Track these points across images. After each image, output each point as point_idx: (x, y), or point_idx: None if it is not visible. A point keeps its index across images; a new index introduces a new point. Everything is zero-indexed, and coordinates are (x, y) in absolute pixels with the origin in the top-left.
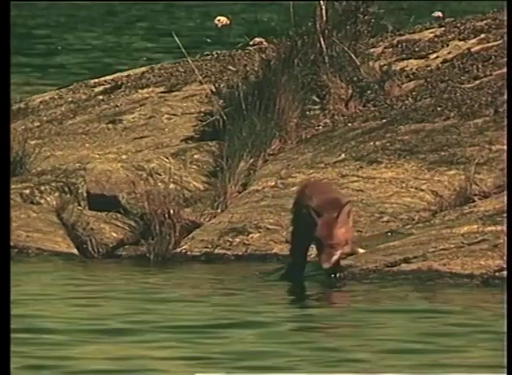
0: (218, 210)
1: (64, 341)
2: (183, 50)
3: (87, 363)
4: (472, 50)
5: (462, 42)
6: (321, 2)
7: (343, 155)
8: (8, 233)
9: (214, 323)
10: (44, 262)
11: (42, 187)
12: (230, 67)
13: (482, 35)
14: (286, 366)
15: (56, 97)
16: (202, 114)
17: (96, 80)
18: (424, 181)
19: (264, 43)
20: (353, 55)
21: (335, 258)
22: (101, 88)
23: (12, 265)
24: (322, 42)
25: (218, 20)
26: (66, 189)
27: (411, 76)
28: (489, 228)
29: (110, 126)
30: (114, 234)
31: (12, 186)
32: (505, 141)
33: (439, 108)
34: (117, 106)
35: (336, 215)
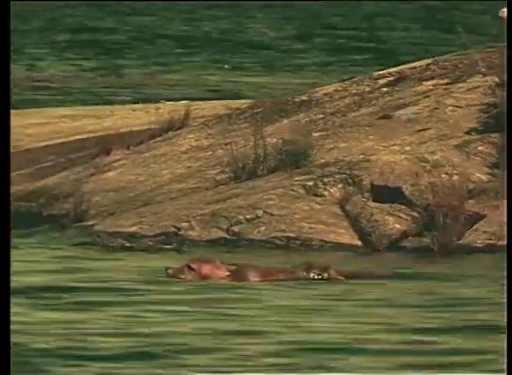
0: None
1: None
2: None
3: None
4: None
5: None
6: None
7: None
8: (8, 233)
9: None
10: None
11: (325, 179)
12: None
13: None
14: None
15: (340, 89)
16: (485, 106)
17: (380, 73)
18: None
19: None
20: None
21: None
22: (385, 80)
23: (295, 256)
24: None
25: (503, 12)
26: (350, 181)
27: None
28: None
29: (393, 118)
30: (397, 226)
31: (296, 178)
32: None
33: None
34: (401, 98)
35: None
